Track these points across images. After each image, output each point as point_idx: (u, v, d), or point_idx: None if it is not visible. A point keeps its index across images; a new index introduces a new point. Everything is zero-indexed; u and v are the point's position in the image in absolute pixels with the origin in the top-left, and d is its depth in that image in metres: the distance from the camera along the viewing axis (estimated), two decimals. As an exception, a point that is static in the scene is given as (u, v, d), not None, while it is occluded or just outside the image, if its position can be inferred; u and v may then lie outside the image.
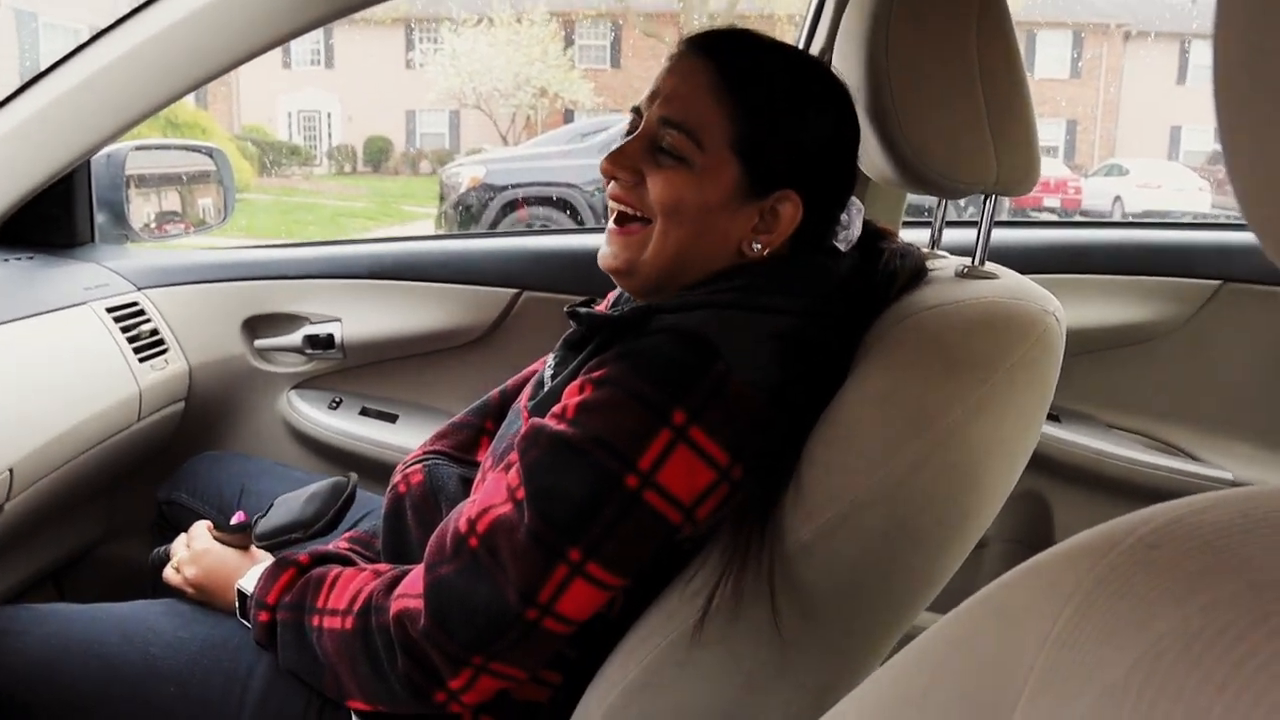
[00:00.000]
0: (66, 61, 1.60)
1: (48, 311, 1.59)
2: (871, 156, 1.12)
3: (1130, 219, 11.63)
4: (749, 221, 1.04)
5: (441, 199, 8.90)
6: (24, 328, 1.52)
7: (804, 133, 1.03)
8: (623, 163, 1.04)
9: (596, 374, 0.95)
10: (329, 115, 17.50)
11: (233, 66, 1.58)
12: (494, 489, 0.98)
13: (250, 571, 1.18)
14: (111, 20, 1.59)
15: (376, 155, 17.12)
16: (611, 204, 1.08)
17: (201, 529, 1.30)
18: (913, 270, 1.08)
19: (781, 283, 1.02)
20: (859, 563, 0.91)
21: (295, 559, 1.15)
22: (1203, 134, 15.21)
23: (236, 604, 1.17)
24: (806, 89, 1.04)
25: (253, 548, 1.26)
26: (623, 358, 0.95)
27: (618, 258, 1.06)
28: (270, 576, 1.13)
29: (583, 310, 1.07)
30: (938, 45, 1.03)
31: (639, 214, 1.04)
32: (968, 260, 1.13)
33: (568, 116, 15.78)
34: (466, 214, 8.01)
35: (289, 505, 1.27)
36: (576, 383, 0.97)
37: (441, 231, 8.81)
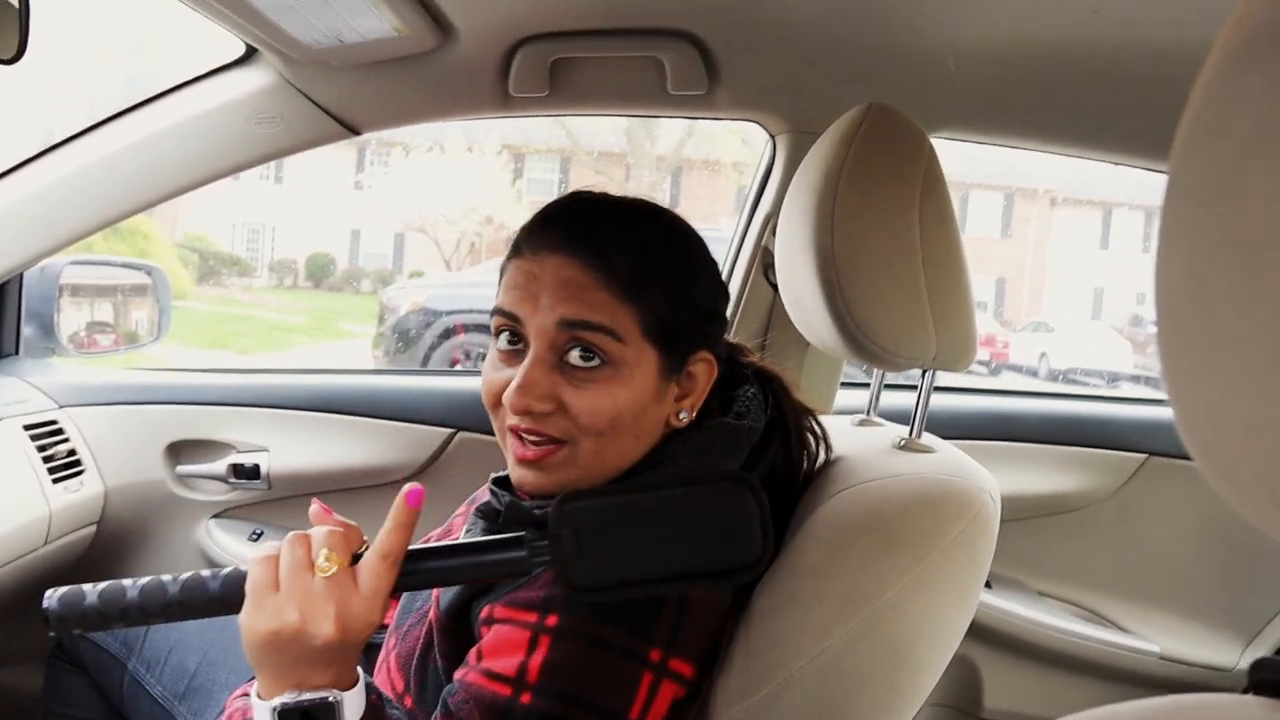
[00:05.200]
0: (9, 174, 1.59)
1: (-40, 427, 1.54)
2: (813, 323, 1.13)
3: (1057, 374, 11.97)
4: (672, 395, 0.98)
5: (380, 320, 8.86)
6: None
7: (698, 293, 0.98)
8: (537, 394, 0.90)
9: (550, 622, 0.84)
10: (273, 229, 17.50)
11: (170, 197, 1.59)
12: None
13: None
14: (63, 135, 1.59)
15: (318, 271, 17.08)
16: (522, 437, 0.93)
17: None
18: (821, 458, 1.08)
19: (699, 455, 0.98)
20: (790, 744, 0.89)
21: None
22: (1124, 297, 15.84)
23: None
24: (679, 248, 0.99)
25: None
26: (573, 602, 0.84)
27: (544, 481, 0.93)
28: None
29: (506, 495, 0.98)
30: (883, 223, 1.05)
31: (557, 439, 0.92)
32: (904, 430, 1.13)
33: (512, 245, 15.92)
34: (405, 336, 7.97)
35: None
36: (511, 630, 0.86)
37: (378, 352, 8.75)
